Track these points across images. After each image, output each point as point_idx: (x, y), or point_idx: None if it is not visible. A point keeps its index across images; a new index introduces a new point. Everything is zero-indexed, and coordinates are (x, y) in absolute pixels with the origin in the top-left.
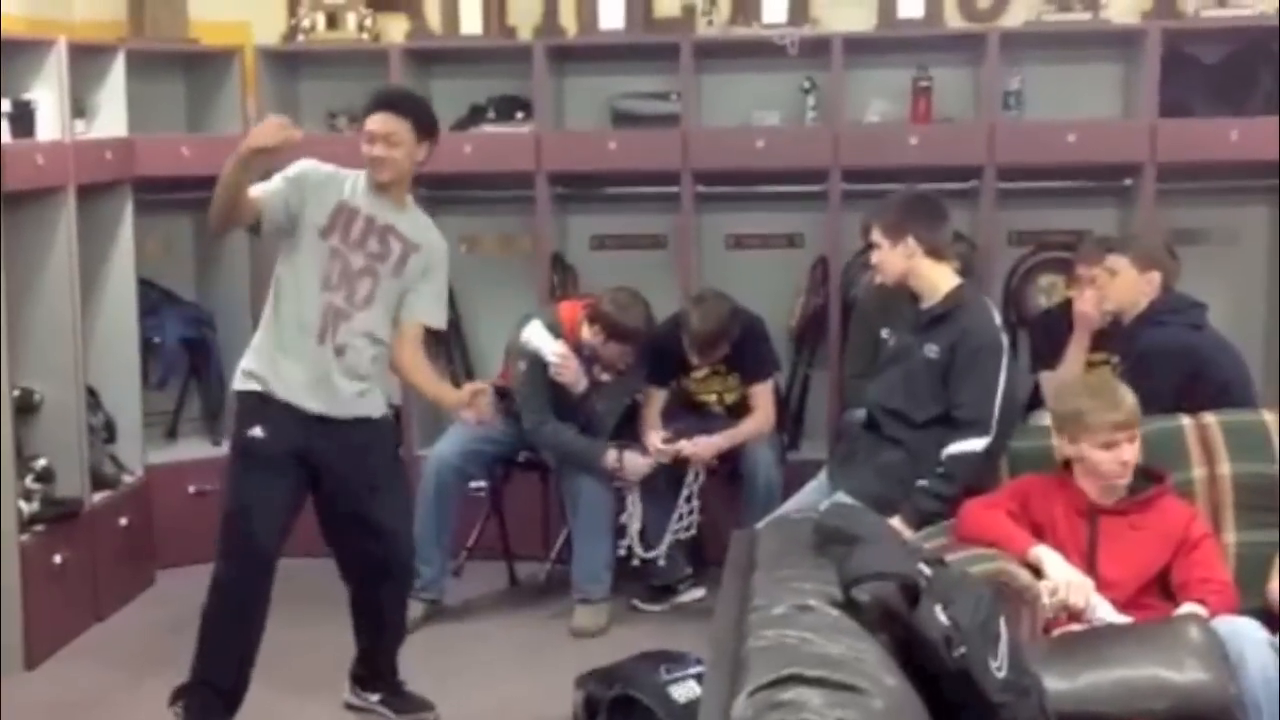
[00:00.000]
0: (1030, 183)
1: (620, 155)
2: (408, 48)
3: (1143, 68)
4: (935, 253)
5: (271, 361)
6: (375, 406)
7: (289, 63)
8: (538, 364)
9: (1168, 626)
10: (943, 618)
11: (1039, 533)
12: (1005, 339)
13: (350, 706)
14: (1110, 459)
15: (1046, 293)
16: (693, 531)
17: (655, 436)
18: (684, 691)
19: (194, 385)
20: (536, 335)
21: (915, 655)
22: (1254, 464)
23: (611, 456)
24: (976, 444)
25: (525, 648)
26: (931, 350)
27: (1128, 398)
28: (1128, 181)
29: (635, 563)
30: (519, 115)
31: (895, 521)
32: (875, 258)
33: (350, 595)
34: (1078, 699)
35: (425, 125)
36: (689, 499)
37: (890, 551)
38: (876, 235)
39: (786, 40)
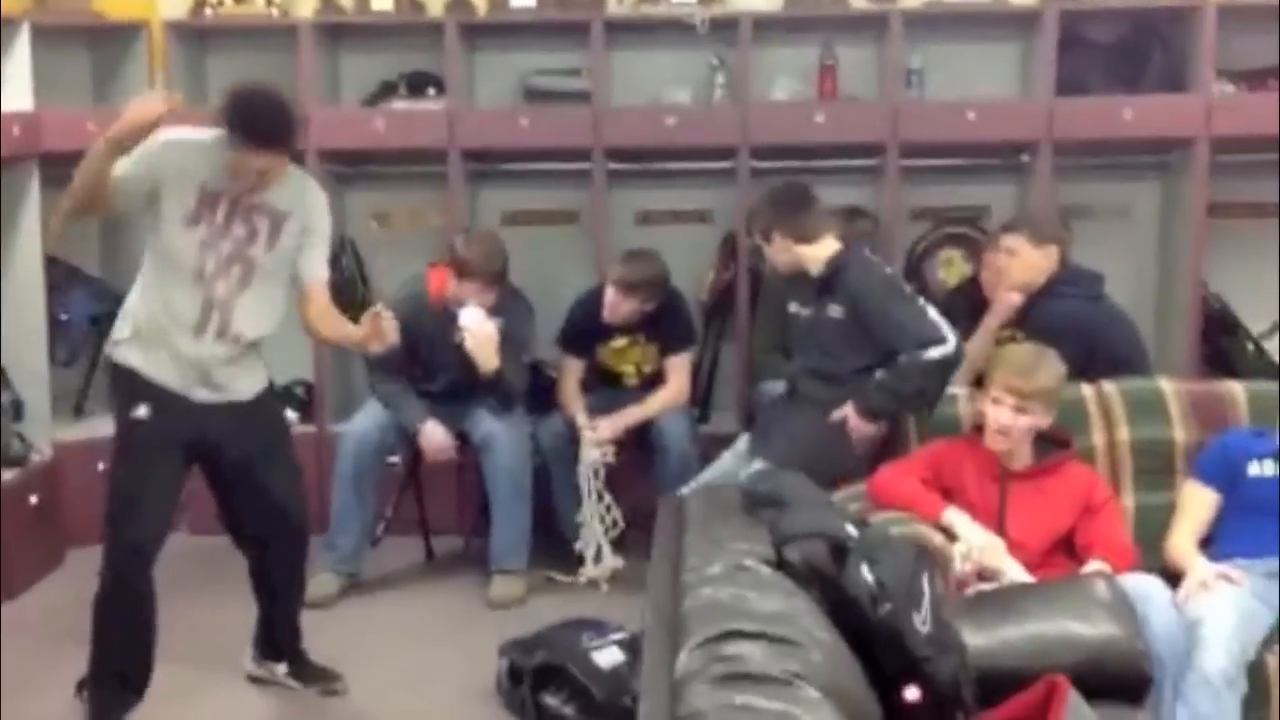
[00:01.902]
0: (931, 160)
1: (532, 132)
2: (317, 23)
3: (1039, 48)
4: (805, 238)
5: (148, 349)
6: (258, 381)
7: (196, 37)
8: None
9: (1077, 583)
10: (868, 576)
11: (950, 496)
12: (888, 270)
13: (253, 678)
14: (993, 415)
15: (946, 266)
16: (621, 525)
17: (585, 421)
18: (607, 657)
19: (101, 361)
20: (466, 315)
21: (843, 612)
22: (1151, 430)
23: (428, 427)
24: (947, 347)
25: (444, 619)
26: (835, 310)
27: (1040, 376)
28: (1024, 158)
29: (583, 580)
30: (431, 91)
31: (846, 409)
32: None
33: (249, 564)
34: (992, 654)
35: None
36: (601, 498)
37: (820, 513)
38: (757, 238)
39: (696, 19)
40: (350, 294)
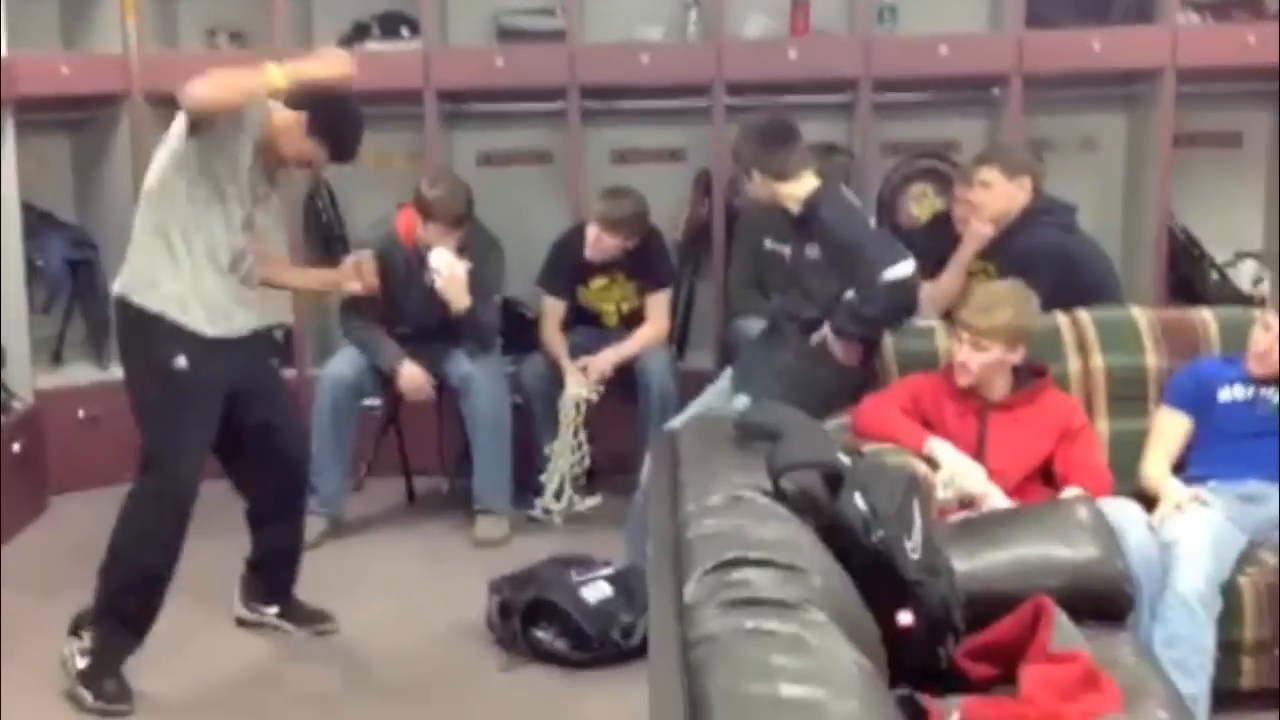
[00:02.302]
0: (904, 94)
1: (508, 72)
2: None
3: None
4: (781, 175)
5: (182, 294)
6: (259, 316)
7: None
8: None
9: (1058, 507)
10: (861, 504)
11: (930, 427)
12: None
13: (242, 621)
14: (955, 351)
15: (918, 200)
16: (586, 464)
17: (569, 362)
18: (594, 592)
19: (78, 307)
20: (435, 257)
21: (837, 539)
22: (1125, 357)
23: (404, 367)
24: (904, 268)
25: (429, 558)
26: (812, 250)
27: (996, 315)
28: (994, 92)
29: (539, 513)
30: (404, 32)
31: (824, 331)
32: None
33: (249, 505)
34: (978, 578)
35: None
36: (576, 434)
37: (814, 442)
38: (737, 171)
39: None
40: (327, 235)
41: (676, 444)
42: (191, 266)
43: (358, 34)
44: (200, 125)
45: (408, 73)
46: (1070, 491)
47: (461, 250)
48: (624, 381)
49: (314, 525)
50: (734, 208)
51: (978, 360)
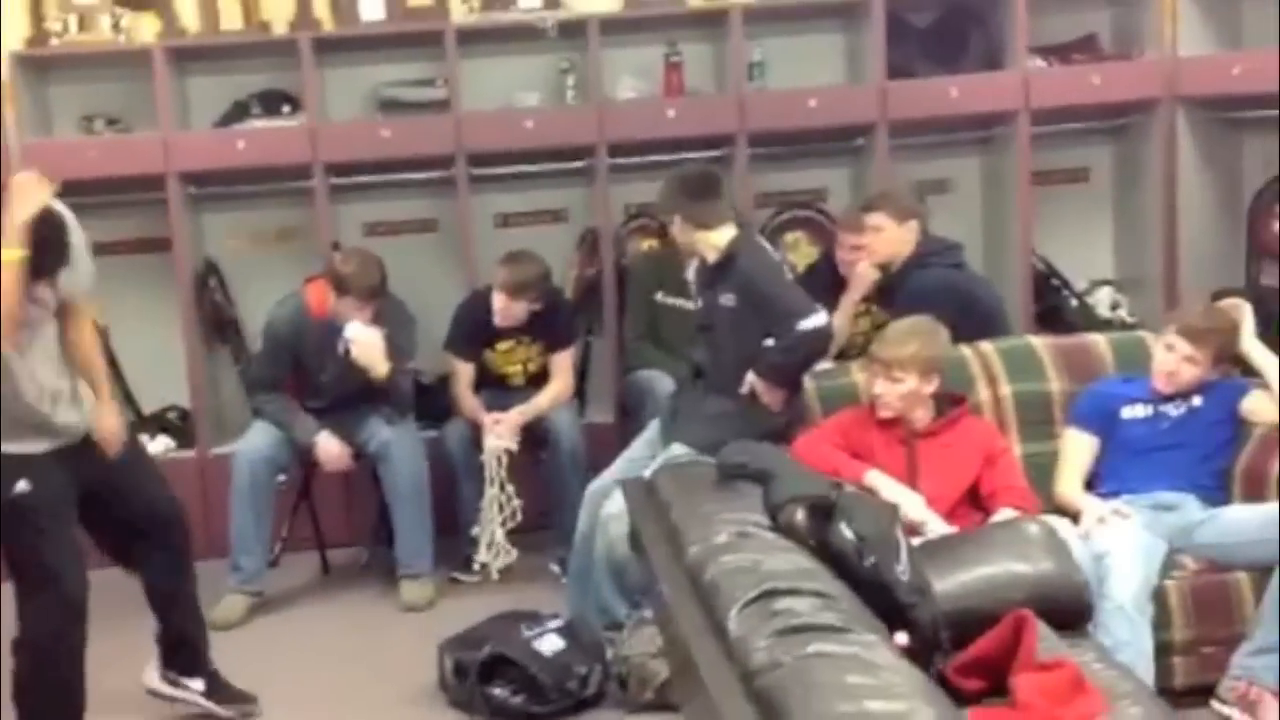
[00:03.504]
0: (777, 147)
1: (394, 143)
2: (165, 46)
3: (869, 34)
4: (702, 225)
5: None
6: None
7: (39, 67)
8: (274, 342)
9: (1010, 527)
10: (848, 533)
11: (861, 459)
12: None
13: (155, 693)
14: (874, 385)
15: (792, 248)
16: (518, 519)
17: (488, 418)
18: (548, 645)
19: None
20: (350, 329)
21: (835, 567)
22: (1030, 383)
23: (322, 439)
24: (818, 318)
25: (359, 629)
26: (728, 299)
27: (903, 347)
28: (860, 141)
29: (476, 566)
30: (285, 109)
31: (750, 378)
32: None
33: (144, 579)
34: (949, 597)
35: None
36: (502, 487)
37: (803, 478)
38: (664, 218)
39: (546, 23)
40: (218, 317)
41: (655, 490)
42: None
43: (237, 113)
44: None
45: (295, 148)
46: (1005, 512)
47: (375, 320)
48: (530, 439)
49: (237, 604)
50: (621, 265)
51: (894, 392)
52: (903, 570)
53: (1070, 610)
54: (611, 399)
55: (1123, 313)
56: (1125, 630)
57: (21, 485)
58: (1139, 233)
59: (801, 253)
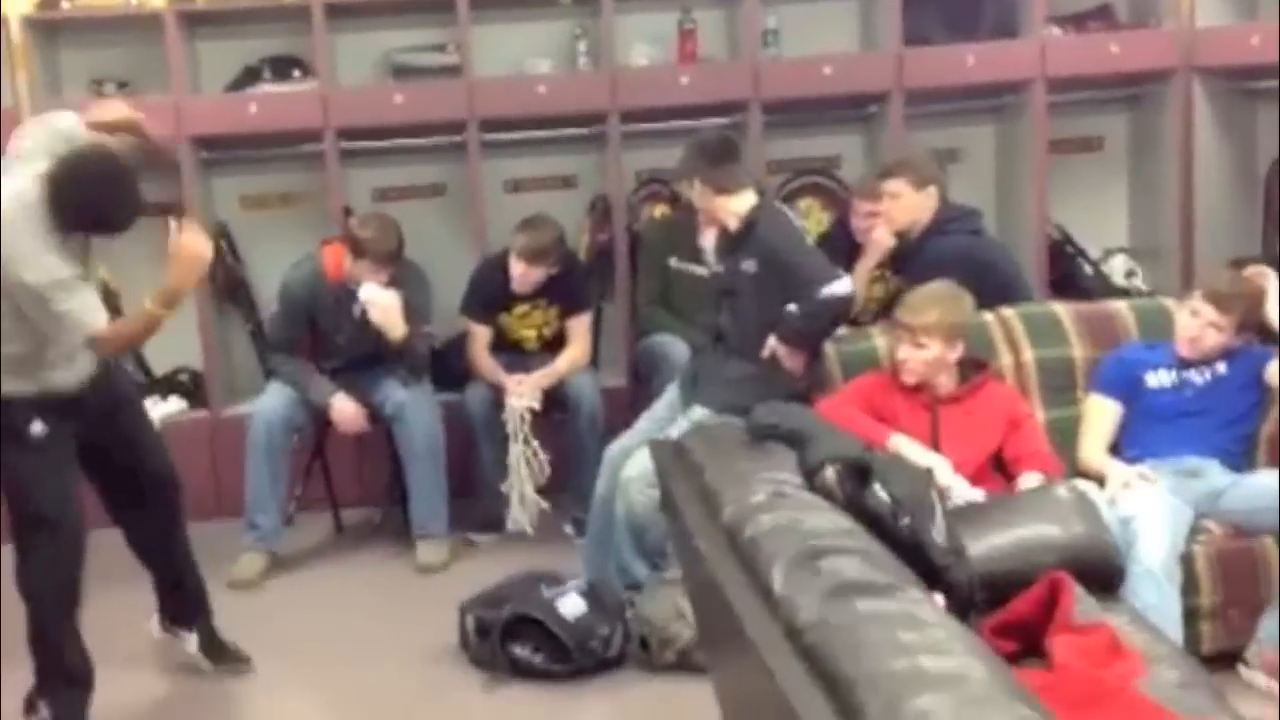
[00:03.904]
0: (791, 114)
1: (406, 108)
2: (179, 10)
3: (880, 1)
4: (722, 189)
5: (17, 373)
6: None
7: (49, 30)
8: (290, 303)
9: (1042, 491)
10: (883, 494)
11: (884, 424)
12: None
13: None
14: (897, 350)
15: (805, 215)
16: (546, 473)
17: (509, 380)
18: (570, 606)
19: None
20: (366, 291)
21: (871, 528)
22: (1052, 349)
23: (338, 400)
24: (842, 285)
25: (375, 588)
26: (749, 265)
27: (928, 313)
28: (873, 109)
29: (510, 523)
30: (295, 74)
31: (772, 342)
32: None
33: (128, 535)
34: (983, 561)
35: None
36: (527, 442)
37: (839, 438)
38: (682, 183)
39: None
40: (231, 280)
41: (687, 452)
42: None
43: (249, 77)
44: None
45: (306, 113)
46: (1030, 477)
47: (391, 283)
48: (548, 403)
49: (254, 562)
50: (633, 231)
51: (919, 358)
52: (938, 532)
53: (1102, 573)
54: (624, 364)
55: (1138, 281)
56: (1153, 594)
57: (37, 426)
58: (1154, 201)
59: (814, 219)
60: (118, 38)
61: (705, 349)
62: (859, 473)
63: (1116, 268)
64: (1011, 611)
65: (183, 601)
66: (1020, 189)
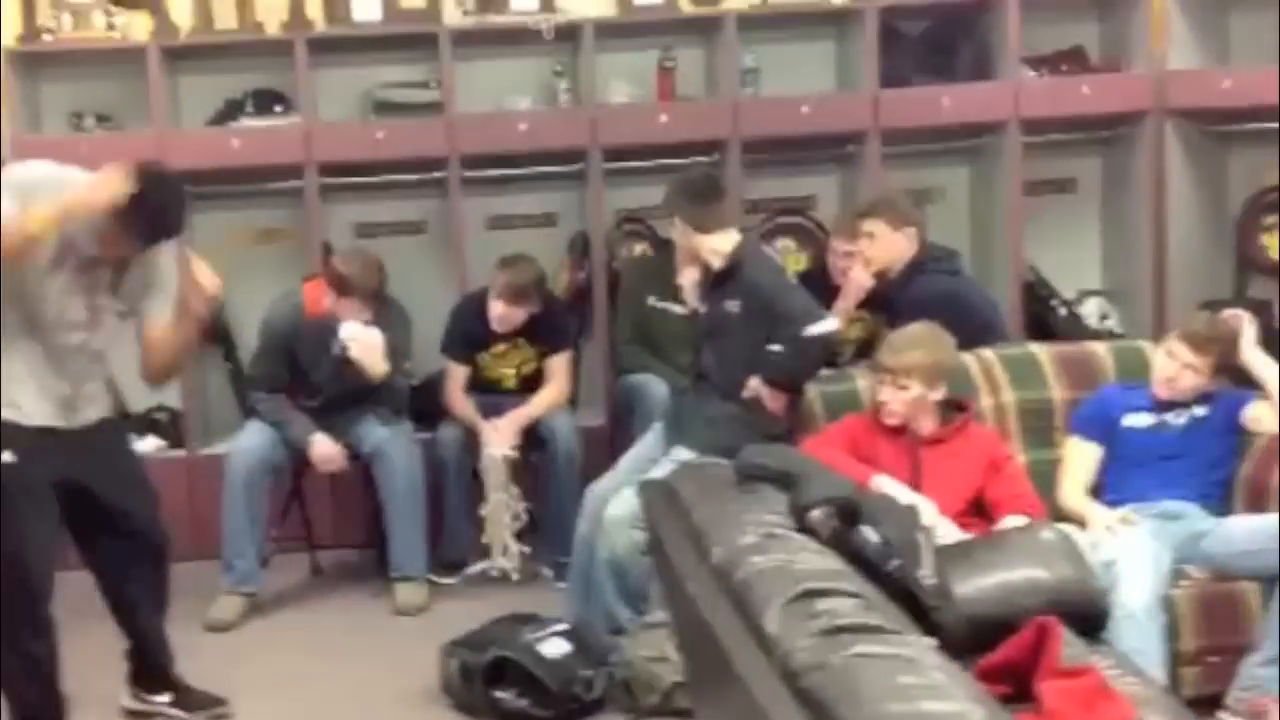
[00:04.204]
0: (768, 153)
1: (388, 144)
2: (164, 45)
3: (862, 42)
4: (702, 228)
5: (11, 392)
6: (106, 406)
7: (29, 63)
8: (272, 339)
9: (1026, 532)
10: (873, 535)
11: (866, 465)
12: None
13: (131, 713)
14: (880, 391)
15: (781, 255)
16: (523, 519)
17: (486, 426)
18: (552, 648)
19: None
20: (347, 329)
21: (861, 569)
22: (1032, 391)
23: (317, 439)
24: (827, 324)
25: (354, 630)
26: (732, 305)
27: (908, 355)
28: (850, 148)
29: (494, 572)
30: (277, 109)
31: (754, 383)
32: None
33: (109, 597)
34: (969, 602)
35: None
36: (507, 490)
37: (831, 479)
38: (664, 221)
39: (542, 27)
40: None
41: (676, 493)
42: (17, 366)
43: (230, 111)
44: None
45: (288, 147)
46: (1014, 519)
47: (374, 322)
48: (524, 444)
49: (232, 605)
50: (612, 270)
51: (901, 399)
52: (926, 574)
53: (1087, 616)
54: (602, 403)
55: (1111, 323)
56: (1136, 638)
57: (6, 455)
58: (1126, 244)
59: (791, 259)
60: (97, 70)
61: (687, 389)
62: (848, 513)
63: (1091, 310)
64: (1001, 655)
65: (156, 667)
66: (995, 230)
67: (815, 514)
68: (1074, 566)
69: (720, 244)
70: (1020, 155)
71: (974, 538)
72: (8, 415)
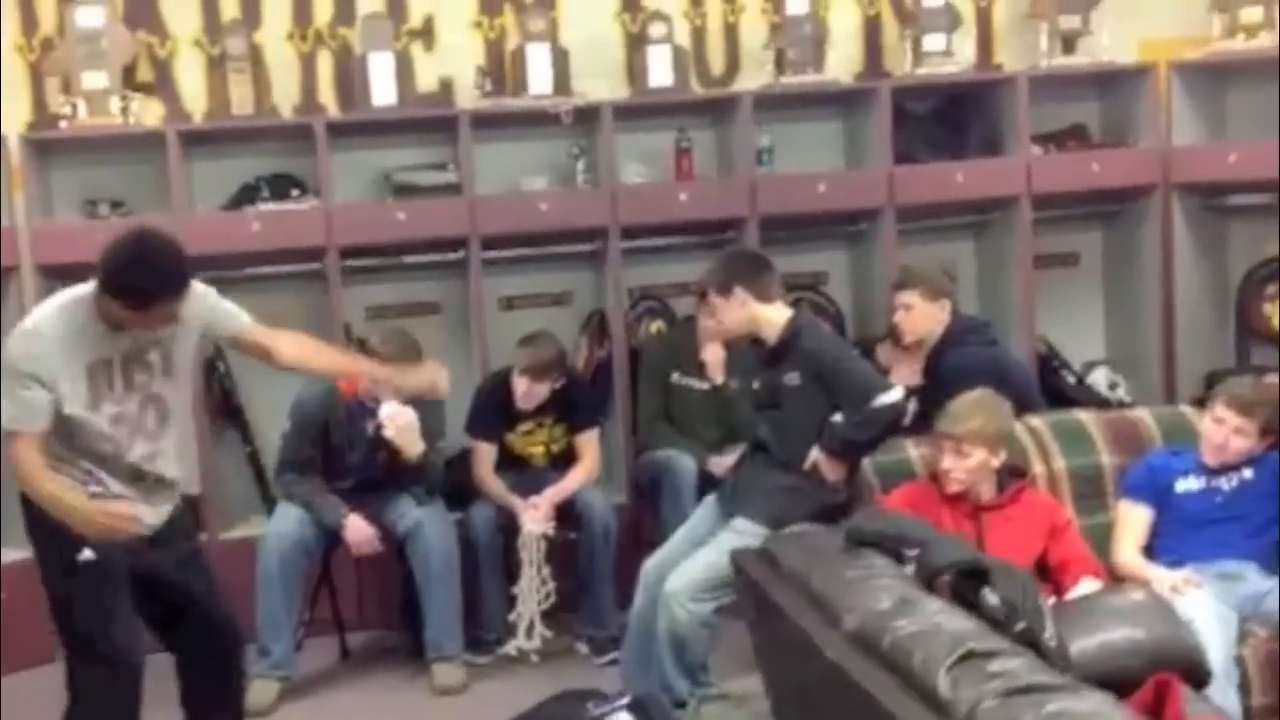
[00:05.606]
0: (782, 231)
1: (409, 225)
2: (181, 130)
3: (866, 121)
4: (763, 297)
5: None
6: (174, 498)
7: (41, 151)
8: (304, 420)
9: (1117, 594)
10: (993, 598)
11: None
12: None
13: None
14: (942, 460)
15: None
16: (553, 599)
17: (521, 504)
18: None
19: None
20: (386, 409)
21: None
22: (1083, 458)
23: (351, 521)
24: (893, 394)
25: (393, 713)
26: (792, 379)
27: (973, 421)
28: (862, 225)
29: (513, 652)
30: (294, 193)
31: (815, 454)
32: (714, 314)
33: (184, 687)
34: (1075, 664)
35: None
36: (539, 570)
37: (952, 544)
38: (712, 295)
39: (560, 110)
40: (226, 399)
41: (778, 561)
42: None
43: (246, 195)
44: None
45: (309, 230)
46: (1088, 582)
47: (409, 401)
48: (557, 521)
49: (268, 690)
50: (633, 347)
51: (964, 466)
52: (1050, 636)
53: (1189, 674)
54: (623, 479)
55: (1120, 392)
56: (1220, 696)
57: (87, 552)
58: (1130, 315)
59: None
60: (109, 157)
61: (744, 459)
62: (975, 577)
63: (1099, 380)
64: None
65: None
66: (1003, 303)
67: (945, 578)
68: (1170, 625)
69: (776, 316)
70: (1031, 229)
71: (1065, 600)
72: None
